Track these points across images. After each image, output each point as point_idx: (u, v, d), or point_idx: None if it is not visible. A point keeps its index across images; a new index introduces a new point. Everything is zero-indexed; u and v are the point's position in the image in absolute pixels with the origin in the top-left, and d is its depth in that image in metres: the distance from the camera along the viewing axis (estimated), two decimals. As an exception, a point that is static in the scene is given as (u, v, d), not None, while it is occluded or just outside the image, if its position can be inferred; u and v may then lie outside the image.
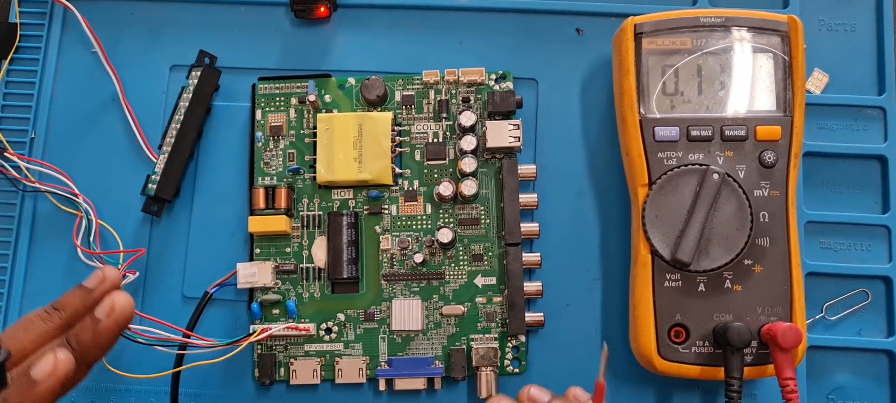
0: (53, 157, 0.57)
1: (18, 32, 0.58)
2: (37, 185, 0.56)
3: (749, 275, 0.49)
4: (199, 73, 0.56)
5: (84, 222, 0.55)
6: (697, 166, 0.49)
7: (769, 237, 0.49)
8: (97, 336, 0.39)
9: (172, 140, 0.55)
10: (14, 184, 0.56)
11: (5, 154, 0.56)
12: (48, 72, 0.58)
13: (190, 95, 0.56)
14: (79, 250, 0.54)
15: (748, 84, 0.51)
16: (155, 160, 0.56)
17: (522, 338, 0.53)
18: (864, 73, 0.56)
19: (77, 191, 0.56)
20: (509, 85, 0.56)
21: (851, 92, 0.56)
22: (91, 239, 0.55)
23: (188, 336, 0.51)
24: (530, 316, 0.53)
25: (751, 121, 0.50)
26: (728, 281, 0.49)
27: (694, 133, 0.50)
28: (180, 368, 0.52)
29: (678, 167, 0.49)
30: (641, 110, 0.51)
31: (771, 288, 0.49)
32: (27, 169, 0.56)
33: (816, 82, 0.56)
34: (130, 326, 0.48)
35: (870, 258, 0.54)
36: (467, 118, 0.54)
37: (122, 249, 0.54)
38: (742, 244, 0.48)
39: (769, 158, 0.49)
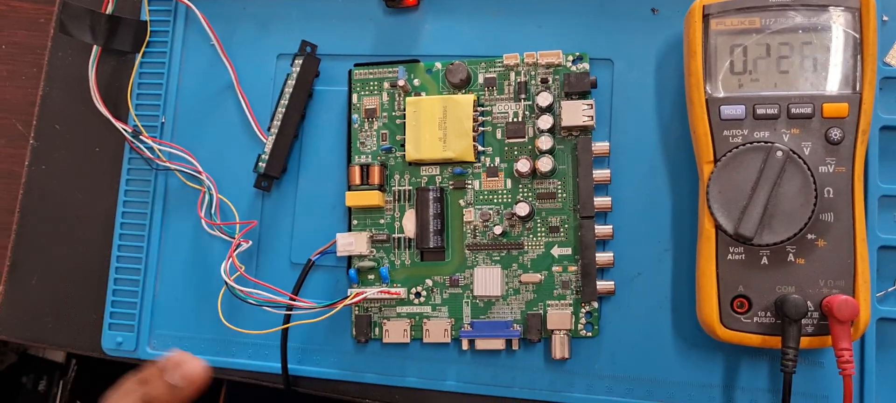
0: (180, 139, 0.65)
1: (149, 29, 0.66)
2: (167, 165, 0.64)
3: (812, 249, 0.51)
4: (301, 62, 0.62)
5: (207, 196, 0.62)
6: (762, 143, 0.51)
7: (833, 212, 0.50)
8: (172, 400, 0.45)
9: (278, 123, 0.62)
10: (148, 163, 0.64)
11: (141, 137, 0.64)
12: (174, 63, 0.66)
13: (293, 81, 0.62)
14: (202, 221, 0.61)
15: (816, 62, 0.51)
16: (265, 141, 0.62)
17: (595, 305, 0.57)
18: (948, 45, 0.55)
19: (201, 169, 0.63)
20: (585, 66, 0.59)
21: (933, 64, 0.55)
22: (212, 211, 0.62)
23: (294, 300, 0.58)
24: (602, 285, 0.57)
25: (818, 99, 0.51)
26: (791, 254, 0.51)
27: (760, 111, 0.51)
28: (287, 325, 0.59)
29: (743, 145, 0.51)
30: (708, 89, 0.53)
31: (834, 262, 0.50)
32: (159, 150, 0.64)
33: (896, 55, 0.56)
34: (244, 288, 0.56)
35: (946, 232, 0.54)
36: (544, 98, 0.58)
37: (238, 221, 0.62)
38: (806, 219, 0.50)
39: (835, 135, 0.50)
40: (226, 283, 0.57)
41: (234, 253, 0.59)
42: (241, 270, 0.57)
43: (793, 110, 0.51)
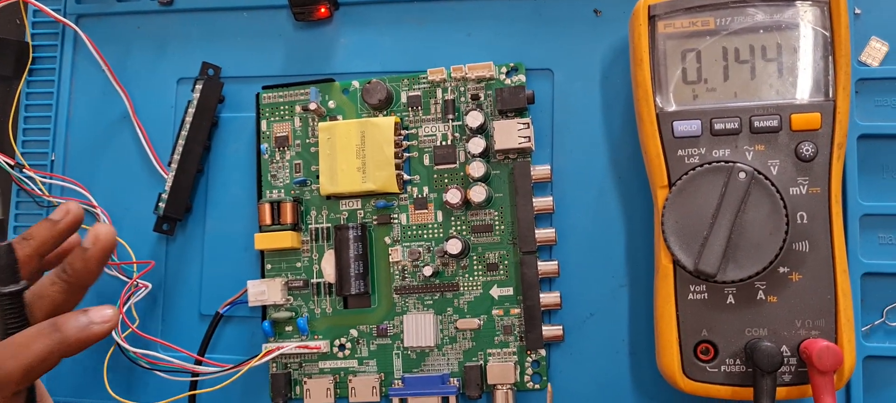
0: (73, 174, 0.57)
1: (31, 54, 0.58)
2: (52, 200, 0.56)
3: (785, 285, 0.44)
4: (201, 86, 0.55)
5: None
6: (722, 163, 0.43)
7: (809, 240, 0.43)
8: (87, 262, 0.44)
9: (179, 157, 0.54)
10: (36, 201, 0.57)
11: (24, 170, 0.56)
12: (64, 90, 0.58)
13: (194, 109, 0.54)
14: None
15: (781, 66, 0.44)
16: (166, 176, 0.55)
17: (542, 352, 0.50)
18: (933, 38, 0.48)
19: (96, 204, 0.56)
20: (521, 78, 0.51)
21: (917, 61, 0.48)
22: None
23: (198, 361, 0.50)
24: (549, 329, 0.49)
25: (785, 109, 0.44)
26: (761, 291, 0.44)
27: (718, 126, 0.44)
28: (194, 392, 0.51)
29: (700, 166, 0.44)
30: (658, 103, 0.45)
31: (812, 299, 0.43)
32: (48, 184, 0.56)
33: (873, 53, 0.48)
34: (138, 350, 0.48)
35: (940, 253, 0.47)
36: (474, 118, 0.50)
37: (134, 260, 0.54)
38: (776, 250, 0.43)
39: (807, 150, 0.43)
40: (116, 343, 0.49)
41: (131, 302, 0.51)
42: (132, 327, 0.50)
43: (756, 123, 0.44)
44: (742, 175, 0.43)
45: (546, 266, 0.50)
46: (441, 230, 0.51)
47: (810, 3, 0.44)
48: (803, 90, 0.44)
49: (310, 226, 0.53)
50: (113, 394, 0.50)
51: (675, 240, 0.44)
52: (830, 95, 0.44)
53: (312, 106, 0.52)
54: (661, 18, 0.46)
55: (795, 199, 0.43)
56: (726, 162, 0.44)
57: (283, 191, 0.53)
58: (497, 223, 0.51)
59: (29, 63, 0.58)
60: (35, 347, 0.41)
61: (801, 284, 0.43)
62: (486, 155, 0.51)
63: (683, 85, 0.45)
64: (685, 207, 0.44)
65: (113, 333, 0.49)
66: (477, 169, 0.50)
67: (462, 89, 0.52)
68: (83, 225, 0.51)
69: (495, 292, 0.51)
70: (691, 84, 0.45)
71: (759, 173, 0.43)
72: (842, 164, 0.44)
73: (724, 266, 0.43)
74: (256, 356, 0.50)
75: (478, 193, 0.50)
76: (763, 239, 0.43)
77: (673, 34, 0.46)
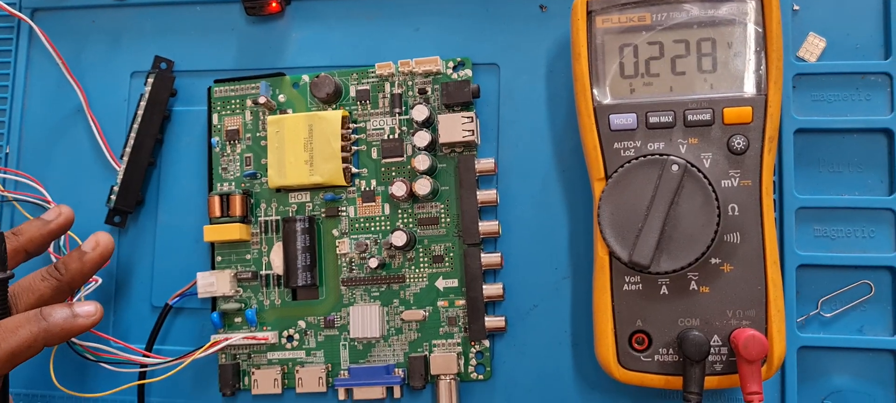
0: (28, 167, 0.58)
1: (-15, 47, 0.59)
2: (5, 194, 0.57)
3: (717, 276, 0.44)
4: (153, 80, 0.55)
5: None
6: (656, 156, 0.44)
7: (740, 232, 0.44)
8: (83, 265, 0.47)
9: (130, 149, 0.55)
10: (-12, 195, 0.57)
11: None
12: (18, 84, 0.58)
13: (146, 102, 0.55)
14: (51, 255, 0.54)
15: (715, 61, 0.45)
16: (118, 169, 0.55)
17: (486, 344, 0.50)
18: (868, 36, 0.49)
19: (49, 199, 0.56)
20: (468, 72, 0.52)
21: (852, 57, 0.49)
22: (61, 244, 0.55)
23: (145, 355, 0.51)
24: (492, 320, 0.50)
25: (718, 103, 0.45)
26: (694, 282, 0.45)
27: (653, 119, 0.45)
28: (142, 382, 0.52)
29: (635, 158, 0.44)
30: (596, 96, 0.46)
31: (743, 290, 0.44)
32: (2, 178, 0.57)
33: (811, 48, 0.49)
34: (84, 342, 0.49)
35: (873, 246, 0.48)
36: (419, 112, 0.51)
37: (87, 258, 0.54)
38: (708, 242, 0.43)
39: (739, 144, 0.44)
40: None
41: (80, 296, 0.52)
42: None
43: (690, 117, 0.45)
44: (675, 167, 0.44)
45: (490, 258, 0.50)
46: (389, 223, 0.52)
47: (743, -1, 0.45)
48: (736, 85, 0.45)
49: (259, 219, 0.53)
50: (58, 385, 0.50)
51: (611, 232, 0.44)
52: (762, 90, 0.45)
53: (262, 100, 0.53)
54: (599, 13, 0.46)
55: (727, 191, 0.44)
56: (660, 154, 0.44)
57: (233, 183, 0.54)
58: (443, 216, 0.51)
59: (-18, 56, 0.59)
60: (21, 332, 0.42)
61: (732, 275, 0.44)
62: (432, 148, 0.51)
63: (620, 79, 0.46)
64: (620, 199, 0.44)
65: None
66: (422, 162, 0.50)
67: (410, 84, 0.52)
68: (31, 217, 0.52)
69: (441, 284, 0.51)
70: (628, 78, 0.46)
71: (692, 166, 0.44)
72: (773, 157, 0.45)
73: (658, 257, 0.44)
74: (202, 347, 0.50)
75: (422, 186, 0.50)
76: (695, 231, 0.43)
77: (610, 29, 0.46)
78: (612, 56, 0.46)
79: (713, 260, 0.44)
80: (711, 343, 0.44)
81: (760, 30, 0.45)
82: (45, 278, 0.47)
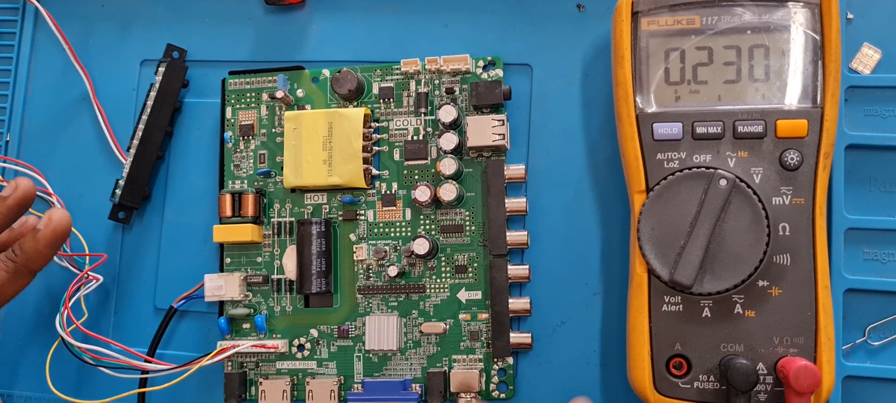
0: (29, 157, 0.55)
1: (-11, 29, 0.56)
2: (4, 184, 0.53)
3: (764, 299, 0.41)
4: (164, 69, 0.52)
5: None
6: (703, 169, 0.41)
7: (790, 253, 0.41)
8: (37, 243, 0.45)
9: (138, 142, 0.52)
10: (-17, 182, 0.54)
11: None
12: (22, 69, 0.56)
13: (156, 92, 0.52)
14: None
15: (769, 70, 0.42)
16: (124, 162, 0.52)
17: (510, 361, 0.48)
18: (927, 47, 0.46)
19: (51, 191, 0.53)
20: (499, 73, 0.49)
21: (909, 71, 0.46)
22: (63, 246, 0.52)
23: (148, 360, 0.48)
24: (517, 337, 0.47)
25: (771, 114, 0.42)
26: (739, 305, 0.42)
27: (700, 130, 0.42)
28: (143, 390, 0.49)
29: (679, 171, 0.42)
30: (639, 103, 0.43)
31: (791, 315, 0.41)
32: (1, 168, 0.54)
33: (865, 60, 0.46)
34: (83, 345, 0.46)
35: (926, 272, 0.45)
36: (447, 113, 0.48)
37: (87, 252, 0.52)
38: (755, 262, 0.40)
39: (792, 159, 0.41)
40: (61, 337, 0.47)
41: (79, 295, 0.49)
42: (77, 323, 0.47)
43: (740, 128, 0.42)
44: (723, 182, 0.41)
45: (517, 270, 0.47)
46: (409, 229, 0.49)
47: (801, 4, 0.42)
48: (790, 95, 0.42)
49: (272, 220, 0.50)
50: (54, 390, 0.47)
51: (651, 248, 0.41)
52: (818, 102, 0.42)
53: (279, 94, 0.50)
54: (645, 15, 0.43)
55: (778, 210, 0.41)
56: (707, 168, 0.41)
57: (245, 181, 0.51)
58: (467, 223, 0.49)
59: (-15, 39, 0.56)
60: None
61: (780, 299, 0.41)
62: (458, 151, 0.48)
63: (665, 85, 0.43)
64: (662, 214, 0.42)
65: (57, 327, 0.46)
66: (448, 166, 0.47)
67: (436, 82, 0.50)
68: (39, 214, 0.49)
69: (463, 295, 0.48)
70: (674, 85, 0.43)
71: (741, 181, 0.41)
72: (827, 174, 0.42)
73: (701, 277, 0.41)
74: (209, 354, 0.47)
75: (448, 191, 0.47)
76: (743, 251, 0.41)
77: (656, 32, 0.43)
78: (657, 61, 0.43)
79: (760, 283, 0.41)
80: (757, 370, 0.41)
81: (817, 38, 0.42)
82: (1, 261, 0.45)
